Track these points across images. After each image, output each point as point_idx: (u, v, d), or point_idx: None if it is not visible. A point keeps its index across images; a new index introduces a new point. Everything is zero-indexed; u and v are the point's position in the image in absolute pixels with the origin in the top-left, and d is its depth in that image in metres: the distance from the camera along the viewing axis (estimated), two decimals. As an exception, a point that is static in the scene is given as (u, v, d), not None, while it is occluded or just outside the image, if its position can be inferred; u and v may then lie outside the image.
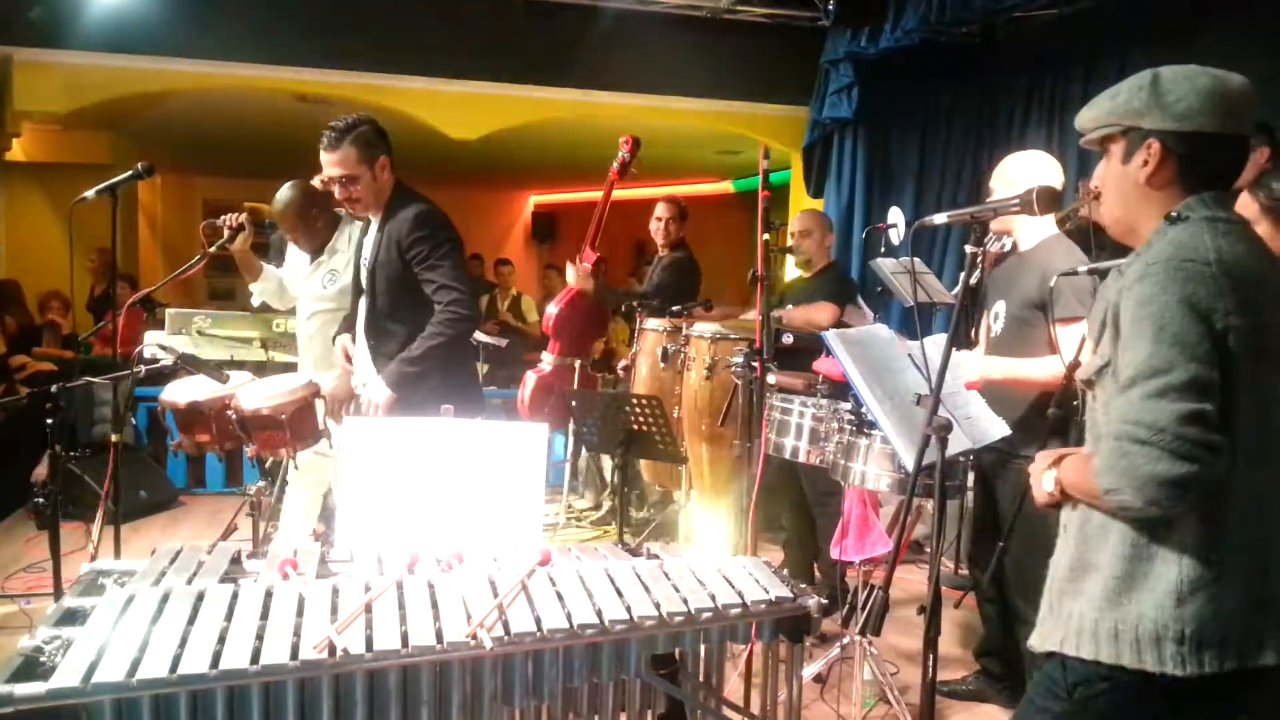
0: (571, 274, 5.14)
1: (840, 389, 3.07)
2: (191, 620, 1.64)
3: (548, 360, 5.40)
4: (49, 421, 2.56)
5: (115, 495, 3.13)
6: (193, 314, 5.45)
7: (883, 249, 5.22)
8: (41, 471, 4.98)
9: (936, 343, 2.31)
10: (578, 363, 5.35)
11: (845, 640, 3.24)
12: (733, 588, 1.98)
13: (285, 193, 3.81)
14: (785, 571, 2.18)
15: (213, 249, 3.56)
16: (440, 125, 6.86)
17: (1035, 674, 1.80)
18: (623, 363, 5.21)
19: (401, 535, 2.18)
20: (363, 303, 3.32)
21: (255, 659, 1.55)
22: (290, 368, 4.61)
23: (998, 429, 2.75)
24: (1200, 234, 1.58)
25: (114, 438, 3.15)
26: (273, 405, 3.15)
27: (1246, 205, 2.49)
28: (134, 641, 1.56)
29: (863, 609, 3.16)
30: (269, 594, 1.75)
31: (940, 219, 2.21)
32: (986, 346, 3.21)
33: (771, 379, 3.41)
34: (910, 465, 2.25)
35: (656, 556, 2.19)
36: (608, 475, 5.58)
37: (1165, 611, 1.56)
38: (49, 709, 1.44)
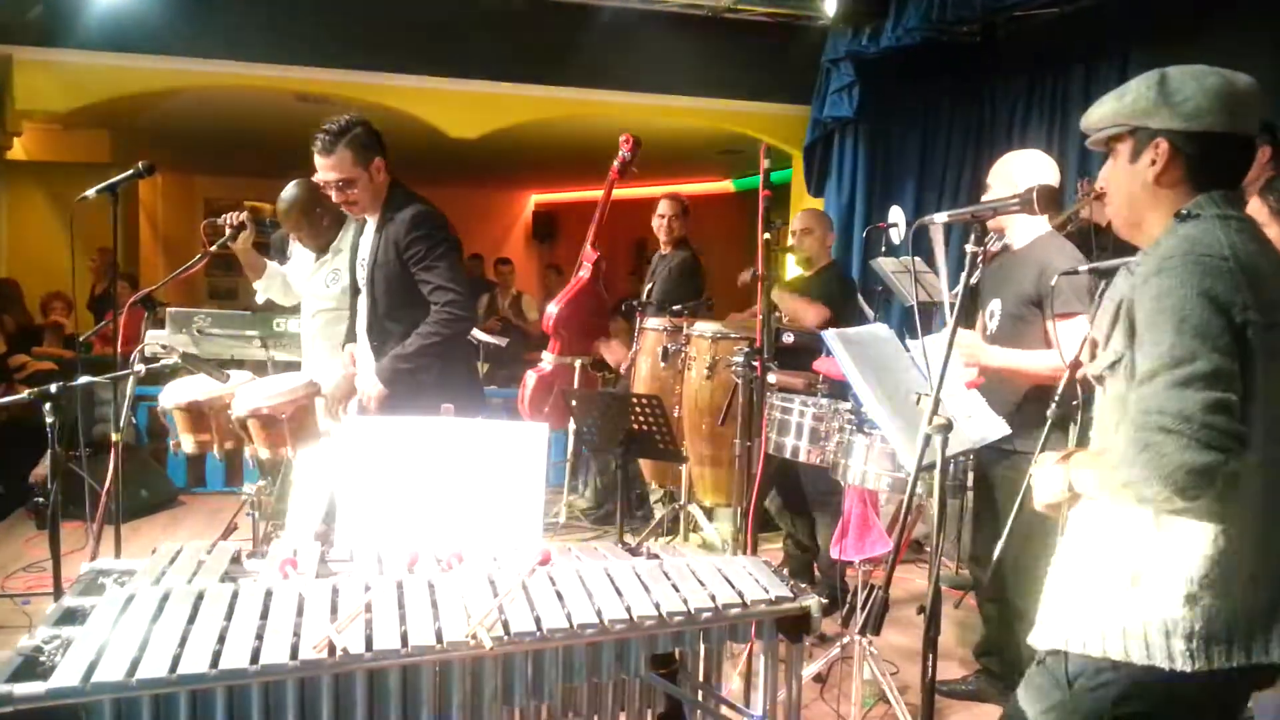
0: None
1: (840, 388, 3.08)
2: (191, 620, 1.64)
3: (548, 359, 5.40)
4: (49, 421, 2.56)
5: (116, 495, 3.13)
6: (193, 313, 5.45)
7: (883, 248, 5.22)
8: (41, 471, 4.98)
9: (937, 342, 2.31)
10: (578, 362, 5.35)
11: (845, 640, 3.24)
12: (732, 587, 1.98)
13: (290, 191, 3.81)
14: (785, 571, 2.18)
15: (214, 248, 3.55)
16: (440, 124, 6.85)
17: (1029, 672, 1.79)
18: (624, 364, 5.21)
19: (401, 535, 2.18)
20: (363, 303, 3.32)
21: (255, 659, 1.55)
22: (291, 367, 4.61)
23: (998, 428, 2.75)
24: (1213, 230, 1.58)
25: (114, 437, 3.15)
26: (273, 404, 3.15)
27: (1257, 209, 2.50)
28: (134, 641, 1.55)
29: (863, 608, 3.16)
30: (269, 593, 1.75)
31: (941, 218, 2.21)
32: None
33: (772, 378, 3.41)
34: (910, 465, 2.25)
35: (656, 556, 2.19)
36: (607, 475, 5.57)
37: (1175, 608, 1.56)
38: (48, 708, 1.43)
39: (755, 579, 2.03)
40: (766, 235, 3.24)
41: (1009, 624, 3.21)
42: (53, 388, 2.56)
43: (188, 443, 3.38)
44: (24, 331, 7.01)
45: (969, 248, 2.14)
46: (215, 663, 1.52)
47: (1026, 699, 1.74)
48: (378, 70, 6.56)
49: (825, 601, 2.10)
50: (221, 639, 1.59)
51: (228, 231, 3.57)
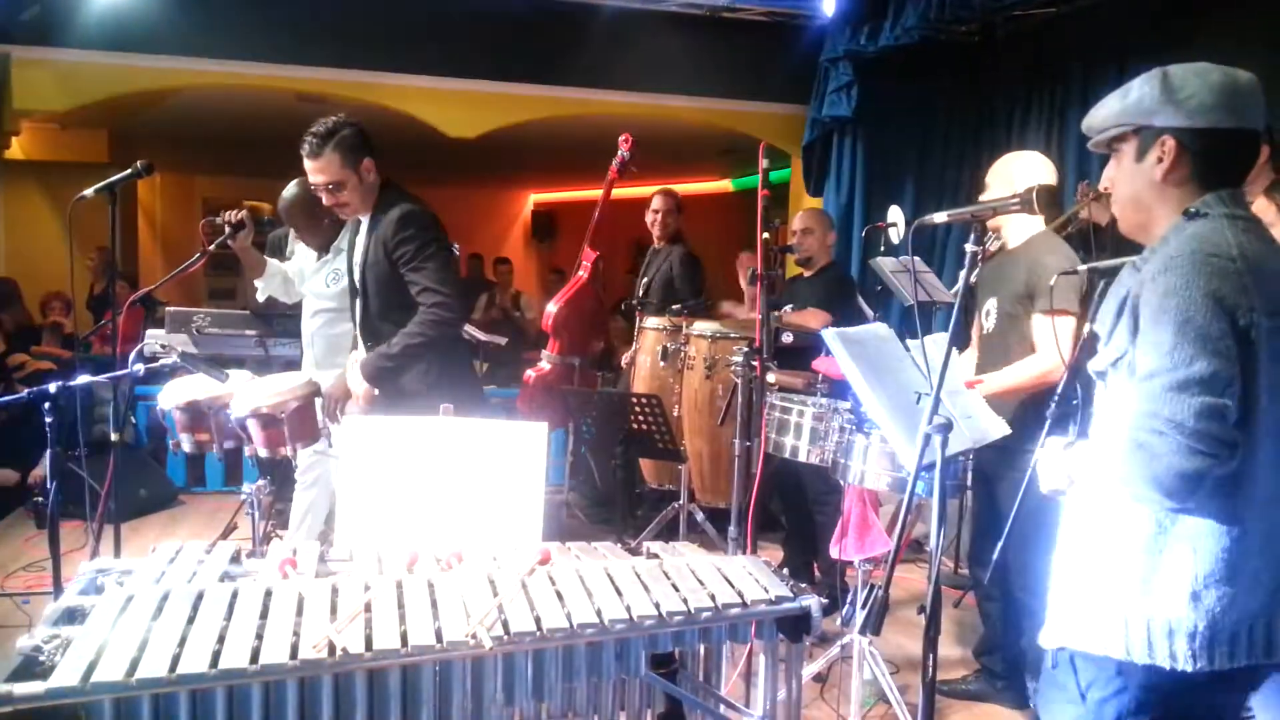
0: None
1: (840, 388, 3.08)
2: (191, 619, 1.64)
3: (547, 359, 5.39)
4: (48, 420, 2.55)
5: (115, 494, 3.13)
6: (192, 313, 5.45)
7: (882, 248, 5.22)
8: (41, 471, 4.98)
9: (937, 341, 2.31)
10: (577, 361, 5.35)
11: (845, 640, 3.23)
12: (732, 587, 1.97)
13: (291, 190, 3.80)
14: (785, 571, 2.18)
15: (212, 247, 3.55)
16: (439, 124, 6.85)
17: (1042, 677, 1.79)
18: (625, 357, 5.22)
19: (401, 534, 2.18)
20: (358, 303, 3.32)
21: (255, 658, 1.55)
22: (290, 366, 4.60)
23: (998, 428, 2.76)
24: (1222, 230, 1.58)
25: (114, 437, 3.14)
26: (272, 404, 3.14)
27: (1264, 209, 2.50)
28: (133, 641, 1.55)
29: (863, 608, 3.16)
30: (268, 593, 1.75)
31: (940, 218, 2.21)
32: (979, 345, 3.22)
33: (771, 378, 3.41)
34: (910, 464, 2.25)
35: (656, 556, 2.19)
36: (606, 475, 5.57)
37: (1179, 607, 1.56)
38: (48, 708, 1.43)
39: (755, 579, 2.03)
40: (766, 234, 3.24)
41: (1009, 623, 3.21)
42: (52, 387, 2.56)
43: (187, 442, 3.38)
44: (23, 331, 7.00)
45: (968, 247, 2.14)
46: (215, 662, 1.52)
47: (1045, 715, 1.75)
48: (377, 70, 6.55)
49: (825, 601, 2.10)
50: (221, 639, 1.59)
51: (227, 230, 3.56)
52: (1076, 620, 1.67)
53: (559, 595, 1.84)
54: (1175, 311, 1.51)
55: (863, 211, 6.87)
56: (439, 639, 1.65)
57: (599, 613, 1.80)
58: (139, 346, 3.18)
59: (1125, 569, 1.61)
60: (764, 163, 3.29)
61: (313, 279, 3.86)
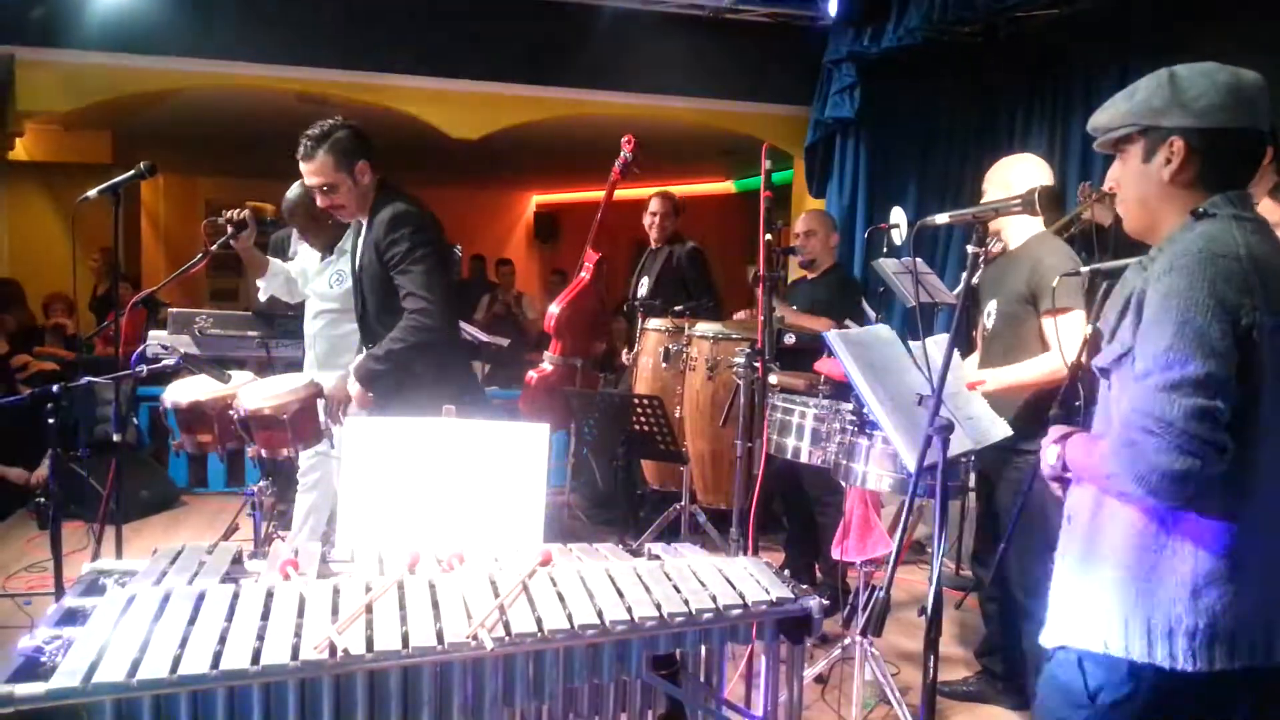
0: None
1: (842, 389, 3.07)
2: (192, 620, 1.64)
3: (549, 360, 5.40)
4: (50, 421, 2.56)
5: (117, 495, 3.13)
6: (195, 314, 5.46)
7: (885, 249, 5.22)
8: (43, 471, 4.99)
9: (938, 342, 2.31)
10: (579, 363, 5.35)
11: (846, 641, 3.23)
12: (733, 588, 1.97)
13: (294, 191, 3.80)
14: (786, 572, 2.18)
15: (214, 246, 3.55)
16: (441, 125, 6.85)
17: (1043, 676, 1.79)
18: (624, 358, 5.22)
19: (402, 535, 2.18)
20: (357, 305, 3.33)
21: (256, 659, 1.54)
22: (293, 367, 4.61)
23: (999, 429, 2.76)
24: (1229, 229, 1.58)
25: (116, 438, 3.15)
26: (274, 405, 3.14)
27: (1271, 210, 2.49)
28: (134, 642, 1.55)
29: (864, 610, 3.16)
30: (270, 594, 1.75)
31: (942, 219, 2.21)
32: (981, 346, 3.22)
33: (773, 379, 3.41)
34: (912, 466, 2.24)
35: (657, 557, 2.18)
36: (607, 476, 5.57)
37: (1178, 604, 1.56)
38: (49, 709, 1.43)
39: (756, 580, 2.03)
40: (768, 236, 3.24)
41: (1011, 624, 3.21)
42: (54, 388, 2.56)
43: (189, 443, 3.38)
44: (26, 332, 7.02)
45: (970, 248, 2.14)
46: (216, 663, 1.52)
47: (1050, 714, 1.74)
48: (378, 71, 6.56)
49: (826, 603, 2.10)
50: (222, 640, 1.59)
51: (229, 230, 3.56)
52: (1077, 619, 1.67)
53: (560, 596, 1.84)
54: (1176, 312, 1.51)
55: (865, 213, 6.88)
56: (440, 640, 1.65)
57: (600, 614, 1.80)
58: (141, 347, 3.19)
59: (1126, 567, 1.61)
60: (766, 164, 3.29)
61: (316, 280, 3.86)
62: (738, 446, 3.27)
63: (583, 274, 5.46)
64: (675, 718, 2.15)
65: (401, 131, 6.82)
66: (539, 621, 1.75)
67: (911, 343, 2.77)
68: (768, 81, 7.16)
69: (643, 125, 6.01)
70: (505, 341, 6.26)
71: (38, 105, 6.27)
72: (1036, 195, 2.11)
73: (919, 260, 4.98)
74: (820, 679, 3.36)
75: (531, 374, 5.42)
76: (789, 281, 4.77)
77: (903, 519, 2.16)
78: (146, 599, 1.69)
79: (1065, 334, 2.74)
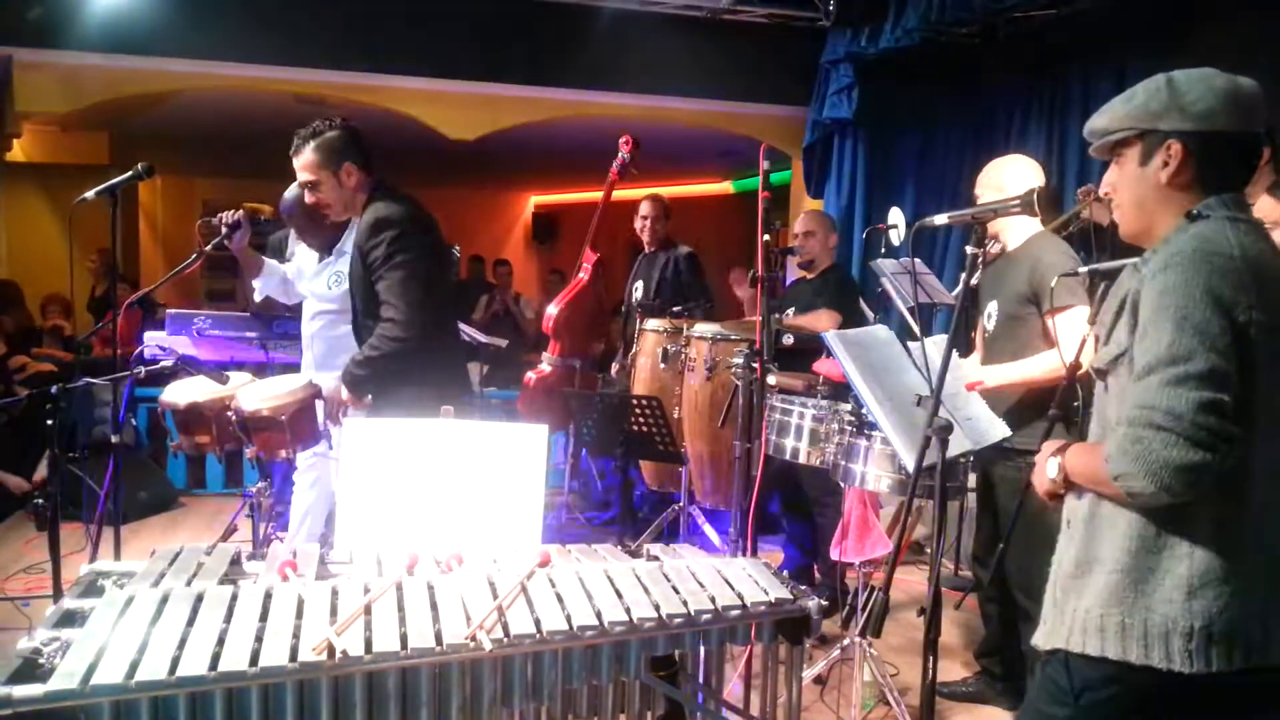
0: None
1: (840, 390, 3.08)
2: (190, 622, 1.64)
3: (548, 361, 5.39)
4: (49, 423, 2.55)
5: (115, 496, 3.13)
6: (192, 315, 5.45)
7: (883, 249, 5.22)
8: (41, 473, 4.98)
9: (937, 343, 2.31)
10: (578, 363, 5.35)
11: (845, 642, 3.23)
12: (732, 589, 1.97)
13: (293, 191, 3.80)
14: (784, 573, 2.18)
15: (209, 247, 3.54)
16: (439, 126, 6.85)
17: (1037, 675, 1.79)
18: (615, 367, 5.22)
19: (401, 536, 2.17)
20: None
21: (254, 661, 1.54)
22: (291, 368, 4.60)
23: (998, 430, 2.76)
24: (1223, 230, 1.59)
25: (114, 439, 3.14)
26: (272, 406, 3.14)
27: (1271, 208, 2.50)
28: (133, 643, 1.55)
29: (863, 610, 3.16)
30: (268, 595, 1.75)
31: (941, 220, 2.22)
32: (981, 347, 3.22)
33: (772, 380, 3.41)
34: (910, 466, 2.25)
35: (656, 558, 2.18)
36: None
37: (1174, 606, 1.56)
38: (47, 711, 1.43)
39: (755, 581, 2.03)
40: (766, 236, 3.24)
41: (1010, 625, 3.21)
42: (52, 390, 2.56)
43: (187, 444, 3.38)
44: (24, 333, 7.01)
45: (969, 249, 2.15)
46: (214, 665, 1.52)
47: (1037, 711, 1.74)
48: (375, 72, 6.55)
49: (825, 603, 2.10)
50: (220, 641, 1.59)
51: (223, 230, 3.56)
52: (1072, 623, 1.67)
53: (559, 597, 1.84)
54: (1174, 309, 1.52)
55: (863, 213, 6.88)
56: (438, 641, 1.65)
57: (599, 615, 1.80)
58: (139, 349, 3.19)
59: (1123, 570, 1.61)
60: (765, 165, 3.29)
61: (313, 280, 3.85)
62: (736, 447, 3.27)
63: (581, 274, 5.45)
64: (674, 718, 2.15)
65: (399, 132, 6.81)
66: (537, 623, 1.75)
67: (910, 343, 2.77)
68: (766, 82, 7.15)
69: (641, 126, 6.00)
70: (503, 342, 6.26)
71: (35, 106, 6.26)
72: (1035, 195, 2.11)
73: (917, 260, 4.98)
74: (819, 680, 3.36)
75: (530, 375, 5.42)
76: (788, 283, 4.77)
77: (901, 519, 2.16)
78: (145, 600, 1.69)
79: (1067, 331, 2.74)
